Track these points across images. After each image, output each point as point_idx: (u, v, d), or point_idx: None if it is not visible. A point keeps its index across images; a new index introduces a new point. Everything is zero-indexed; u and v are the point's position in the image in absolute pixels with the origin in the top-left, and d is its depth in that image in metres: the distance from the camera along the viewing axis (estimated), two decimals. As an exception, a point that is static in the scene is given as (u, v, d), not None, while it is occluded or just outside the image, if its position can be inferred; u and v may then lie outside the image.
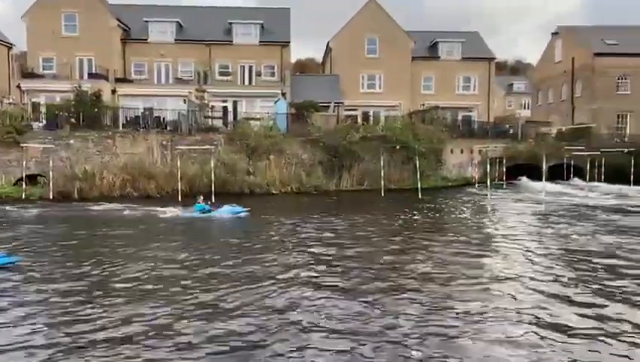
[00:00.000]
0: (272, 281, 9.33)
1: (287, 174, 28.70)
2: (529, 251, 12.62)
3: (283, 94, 34.77)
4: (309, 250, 12.44)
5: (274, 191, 27.52)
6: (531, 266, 10.89)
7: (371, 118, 38.03)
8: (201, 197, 19.78)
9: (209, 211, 18.71)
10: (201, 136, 28.37)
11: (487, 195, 23.43)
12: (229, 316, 7.38)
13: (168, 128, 29.52)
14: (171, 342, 6.45)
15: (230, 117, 32.58)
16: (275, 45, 38.94)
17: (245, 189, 26.74)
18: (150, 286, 8.96)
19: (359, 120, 37.35)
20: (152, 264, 10.76)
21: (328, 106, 35.45)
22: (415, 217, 18.57)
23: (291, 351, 6.26)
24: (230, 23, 39.28)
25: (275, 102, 33.69)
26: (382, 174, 26.31)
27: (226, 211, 18.71)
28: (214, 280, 9.41)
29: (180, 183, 24.53)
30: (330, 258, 11.48)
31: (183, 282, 9.29)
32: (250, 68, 39.00)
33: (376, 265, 10.73)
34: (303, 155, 29.70)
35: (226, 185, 26.25)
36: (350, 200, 23.02)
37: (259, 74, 38.65)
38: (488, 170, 28.37)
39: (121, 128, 29.34)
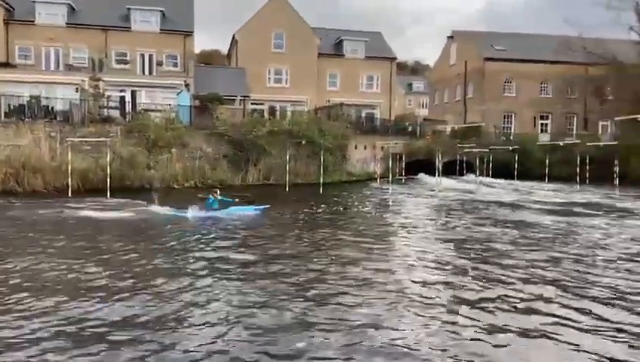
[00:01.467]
0: (185, 277, 8.96)
1: (191, 168, 27.85)
2: (424, 239, 13.28)
3: (186, 85, 33.57)
4: (198, 246, 12.04)
5: (176, 186, 26.59)
6: (424, 253, 11.47)
7: (278, 113, 37.97)
8: (217, 192, 17.68)
9: (218, 205, 17.01)
10: (96, 127, 26.56)
11: (388, 190, 24.35)
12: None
13: (58, 118, 27.26)
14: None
15: (128, 108, 30.82)
16: (178, 34, 37.51)
17: (145, 184, 25.54)
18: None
19: (266, 114, 37.14)
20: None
21: (234, 100, 34.85)
22: (318, 210, 18.76)
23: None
24: (128, 9, 37.22)
25: (178, 93, 32.48)
26: (287, 169, 26.36)
27: (239, 210, 17.30)
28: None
29: (70, 178, 22.82)
30: (220, 253, 11.26)
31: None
32: (151, 57, 37.23)
33: (274, 258, 10.71)
34: (208, 149, 28.94)
35: (124, 180, 24.93)
36: (254, 195, 22.84)
37: (160, 63, 37.02)
38: (390, 166, 29.62)
39: (2, 117, 26.63)
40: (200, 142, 28.75)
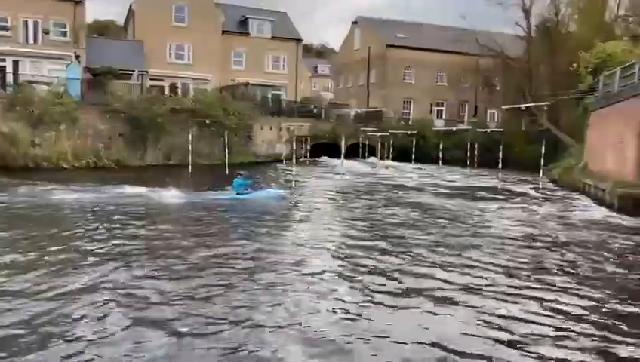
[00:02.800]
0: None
1: (82, 147, 25.96)
2: (326, 218, 13.61)
3: (77, 57, 30.98)
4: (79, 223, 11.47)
5: (65, 166, 24.64)
6: (329, 232, 11.75)
7: (179, 90, 36.46)
8: (243, 173, 16.95)
9: (248, 187, 16.19)
10: (-31, 99, 23.75)
11: (292, 171, 24.47)
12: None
13: None
14: None
15: (10, 79, 27.86)
16: (66, 0, 34.36)
17: (30, 163, 23.40)
18: None
19: (166, 91, 35.51)
20: None
21: (131, 74, 32.84)
22: (221, 190, 18.26)
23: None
24: (8, -31, 33.28)
25: (67, 65, 29.94)
26: (190, 149, 25.55)
27: (265, 194, 16.78)
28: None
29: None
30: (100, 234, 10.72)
31: None
32: (36, 24, 33.69)
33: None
34: (101, 126, 27.11)
35: (5, 159, 22.64)
36: (153, 176, 21.82)
37: (46, 32, 33.64)
38: (294, 148, 29.77)
39: None
40: (92, 118, 26.83)
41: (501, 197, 20.52)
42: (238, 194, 16.15)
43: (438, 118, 48.39)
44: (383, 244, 10.67)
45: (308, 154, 35.22)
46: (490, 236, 12.14)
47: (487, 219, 14.73)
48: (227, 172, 24.72)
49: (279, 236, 11.37)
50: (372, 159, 37.26)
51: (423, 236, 11.78)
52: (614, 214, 15.48)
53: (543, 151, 21.90)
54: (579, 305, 7.33)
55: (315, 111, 41.62)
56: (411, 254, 9.90)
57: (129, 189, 16.70)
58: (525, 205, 18.02)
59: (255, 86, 39.39)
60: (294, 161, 26.23)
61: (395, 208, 16.09)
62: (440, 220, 14.15)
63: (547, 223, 14.28)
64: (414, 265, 9.11)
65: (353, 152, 38.10)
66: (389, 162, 36.50)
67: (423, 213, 15.28)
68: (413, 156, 36.26)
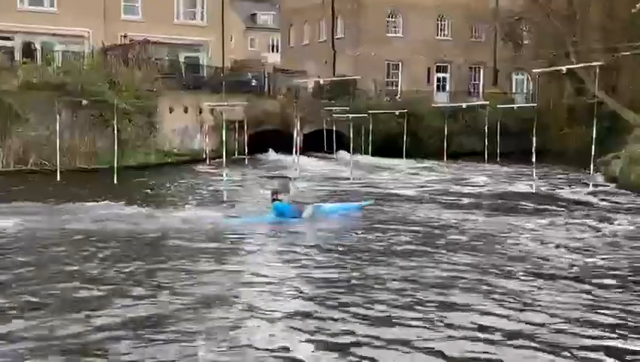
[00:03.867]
0: None
1: None
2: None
3: None
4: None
5: None
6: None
7: (38, 54, 35.33)
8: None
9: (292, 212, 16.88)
10: None
11: (222, 177, 23.88)
12: None
13: None
14: None
15: None
16: None
17: None
18: None
19: (17, 55, 34.45)
20: None
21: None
22: (96, 222, 16.51)
23: None
24: None
25: None
26: (58, 145, 24.72)
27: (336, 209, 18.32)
28: None
29: None
30: None
31: None
32: None
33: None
34: None
35: None
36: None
37: None
38: (224, 140, 29.00)
39: None
40: None
41: (541, 207, 20.45)
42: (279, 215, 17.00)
43: (439, 89, 49.20)
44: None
45: (245, 148, 35.05)
46: (528, 276, 11.73)
47: (525, 245, 14.48)
48: (115, 180, 23.99)
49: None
50: (342, 154, 37.49)
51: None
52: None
53: (594, 135, 22.13)
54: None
55: (253, 83, 41.59)
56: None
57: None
58: (581, 221, 17.79)
59: (160, 45, 38.76)
60: (224, 160, 25.68)
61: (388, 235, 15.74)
62: (454, 251, 13.79)
63: (625, 251, 14.04)
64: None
65: (314, 144, 38.36)
66: (369, 158, 36.99)
67: (431, 239, 14.99)
68: (404, 148, 36.47)
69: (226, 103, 33.67)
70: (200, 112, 35.08)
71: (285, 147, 34.83)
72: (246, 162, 33.79)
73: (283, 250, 14.20)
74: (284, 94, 41.15)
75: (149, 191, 24.01)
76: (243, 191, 24.38)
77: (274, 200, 17.00)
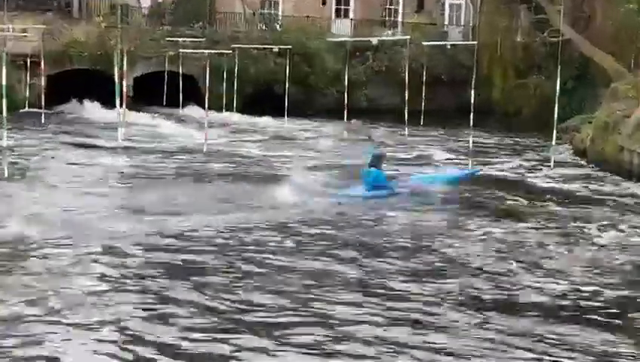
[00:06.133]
0: None
1: None
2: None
3: None
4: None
5: None
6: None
7: None
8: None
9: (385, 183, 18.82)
10: None
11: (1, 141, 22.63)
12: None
13: None
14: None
15: None
16: None
17: None
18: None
19: None
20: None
21: None
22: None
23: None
24: None
25: None
26: None
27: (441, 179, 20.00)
28: None
29: None
30: None
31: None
32: None
33: None
34: None
35: None
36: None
37: None
38: (3, 84, 27.72)
39: None
40: None
41: (476, 201, 20.28)
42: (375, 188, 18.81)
43: (339, 16, 48.86)
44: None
45: (42, 96, 34.41)
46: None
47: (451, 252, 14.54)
48: None
49: None
50: (193, 109, 37.74)
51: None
52: None
53: (558, 89, 21.98)
54: None
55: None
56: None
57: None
58: (528, 224, 17.57)
59: None
60: (4, 113, 24.50)
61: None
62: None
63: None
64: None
65: (150, 94, 38.73)
66: (236, 116, 37.76)
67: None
68: (286, 101, 36.48)
69: (10, 27, 32.31)
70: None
71: (104, 97, 35.09)
72: (42, 119, 33.42)
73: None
74: (103, 16, 40.38)
75: None
76: (37, 166, 23.38)
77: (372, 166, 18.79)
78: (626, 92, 28.70)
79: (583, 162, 26.41)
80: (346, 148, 29.20)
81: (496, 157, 28.51)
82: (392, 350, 9.88)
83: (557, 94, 22.39)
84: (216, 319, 11.03)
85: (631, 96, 27.64)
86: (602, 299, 12.47)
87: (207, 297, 12.09)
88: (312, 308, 11.03)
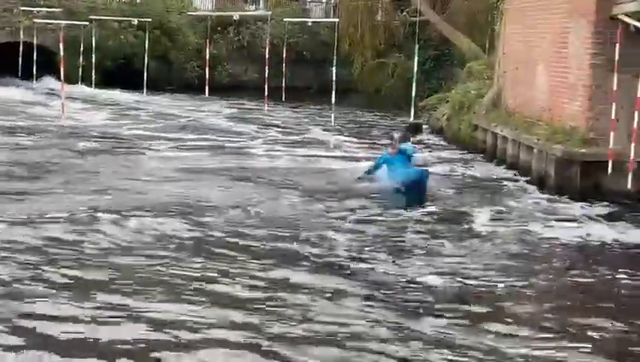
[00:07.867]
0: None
1: None
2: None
3: None
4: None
5: None
6: None
7: None
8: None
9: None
10: None
11: None
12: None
13: None
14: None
15: None
16: None
17: None
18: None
19: None
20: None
21: None
22: None
23: None
24: None
25: None
26: None
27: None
28: None
29: None
30: None
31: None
32: None
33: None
34: None
35: None
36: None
37: None
38: None
39: None
40: None
41: (332, 185, 19.94)
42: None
43: None
44: None
45: None
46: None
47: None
48: None
49: None
50: (47, 81, 37.47)
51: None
52: (545, 199, 16.64)
53: (416, 68, 22.32)
54: None
55: None
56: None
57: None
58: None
59: None
60: None
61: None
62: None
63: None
64: None
65: (6, 65, 38.22)
66: (92, 90, 37.14)
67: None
68: (145, 75, 36.25)
69: None
70: None
71: None
72: None
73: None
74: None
75: None
76: None
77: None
78: (481, 72, 29.30)
79: (439, 138, 26.69)
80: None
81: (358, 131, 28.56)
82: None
83: (415, 73, 22.66)
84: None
85: (485, 76, 28.24)
86: (481, 287, 11.88)
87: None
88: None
